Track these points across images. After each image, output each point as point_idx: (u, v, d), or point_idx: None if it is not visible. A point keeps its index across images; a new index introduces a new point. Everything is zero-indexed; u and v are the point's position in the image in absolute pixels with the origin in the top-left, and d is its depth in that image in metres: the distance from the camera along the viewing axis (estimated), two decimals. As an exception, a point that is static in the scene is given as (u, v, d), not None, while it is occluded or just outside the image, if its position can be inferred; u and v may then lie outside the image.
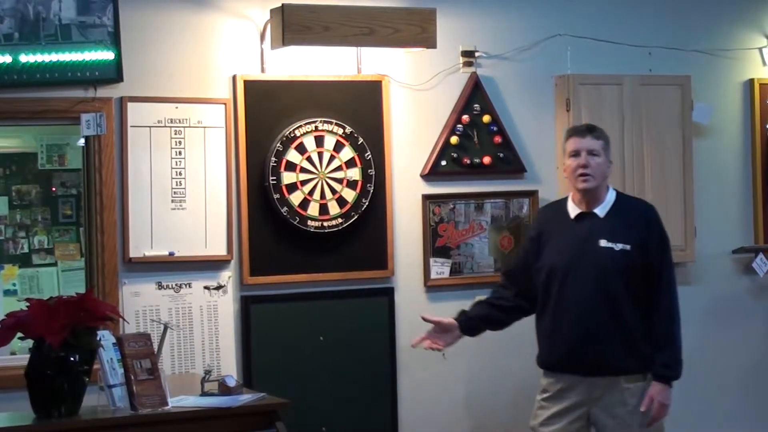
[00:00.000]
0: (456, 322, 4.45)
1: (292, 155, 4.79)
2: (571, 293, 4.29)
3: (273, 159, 4.75)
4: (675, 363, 4.31)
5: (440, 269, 5.08)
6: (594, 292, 4.27)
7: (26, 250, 6.41)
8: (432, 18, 4.80)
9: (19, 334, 3.60)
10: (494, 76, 5.18)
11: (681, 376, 4.29)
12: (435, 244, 5.07)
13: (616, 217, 4.34)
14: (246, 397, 3.87)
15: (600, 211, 4.36)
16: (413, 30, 4.76)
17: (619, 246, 4.29)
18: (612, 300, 4.27)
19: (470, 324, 4.47)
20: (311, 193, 4.81)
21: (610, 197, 4.38)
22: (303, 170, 4.81)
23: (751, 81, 5.64)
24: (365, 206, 4.89)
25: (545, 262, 4.37)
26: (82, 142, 4.65)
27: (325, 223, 4.83)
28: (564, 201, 4.50)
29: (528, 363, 5.20)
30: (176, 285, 4.65)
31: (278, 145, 4.76)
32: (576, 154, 4.33)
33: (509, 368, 5.20)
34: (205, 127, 4.69)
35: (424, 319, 4.43)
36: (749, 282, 5.65)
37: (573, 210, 4.40)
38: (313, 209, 4.81)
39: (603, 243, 4.30)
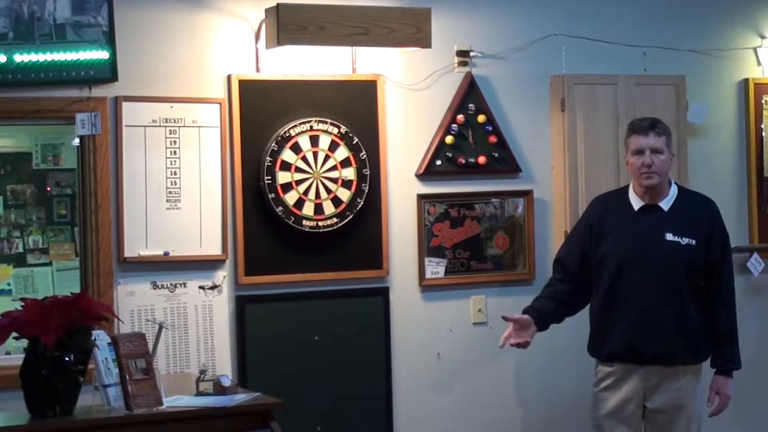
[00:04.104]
0: (531, 318, 4.43)
1: (287, 155, 4.79)
2: (635, 286, 4.37)
3: (268, 158, 4.75)
4: (737, 356, 4.52)
5: (435, 269, 5.08)
6: (658, 286, 4.35)
7: (21, 249, 6.41)
8: (427, 18, 4.80)
9: (14, 334, 3.59)
10: (489, 75, 5.18)
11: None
12: (430, 244, 5.07)
13: (680, 212, 4.42)
14: (241, 397, 3.87)
15: (665, 204, 4.43)
16: (408, 30, 4.76)
17: (685, 240, 4.38)
18: (675, 294, 4.37)
19: (543, 320, 4.49)
20: (306, 192, 4.81)
21: (673, 191, 4.47)
22: (298, 170, 4.81)
23: (746, 81, 5.65)
24: (360, 206, 4.89)
25: (608, 253, 4.42)
26: (76, 141, 4.64)
27: (320, 223, 4.83)
28: (623, 191, 4.54)
29: (520, 362, 5.20)
30: (171, 285, 4.64)
31: (273, 144, 4.76)
32: (640, 152, 4.38)
33: (504, 368, 5.20)
34: (200, 127, 4.69)
35: (505, 318, 4.43)
36: (744, 282, 5.65)
37: (636, 202, 4.46)
38: (308, 209, 4.81)
39: (669, 237, 4.38)
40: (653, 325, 4.37)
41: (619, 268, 4.39)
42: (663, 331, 4.37)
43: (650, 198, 4.43)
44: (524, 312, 4.46)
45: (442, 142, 5.07)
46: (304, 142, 4.82)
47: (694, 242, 4.38)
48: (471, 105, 5.12)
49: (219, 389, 3.91)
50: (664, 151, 4.38)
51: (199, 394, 3.92)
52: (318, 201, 4.83)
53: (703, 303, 4.45)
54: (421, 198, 5.05)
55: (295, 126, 4.80)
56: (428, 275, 5.07)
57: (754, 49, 5.68)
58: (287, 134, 4.79)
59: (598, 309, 4.49)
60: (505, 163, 5.19)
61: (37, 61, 4.42)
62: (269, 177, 4.75)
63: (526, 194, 5.23)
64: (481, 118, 5.13)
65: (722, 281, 4.47)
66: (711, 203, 4.53)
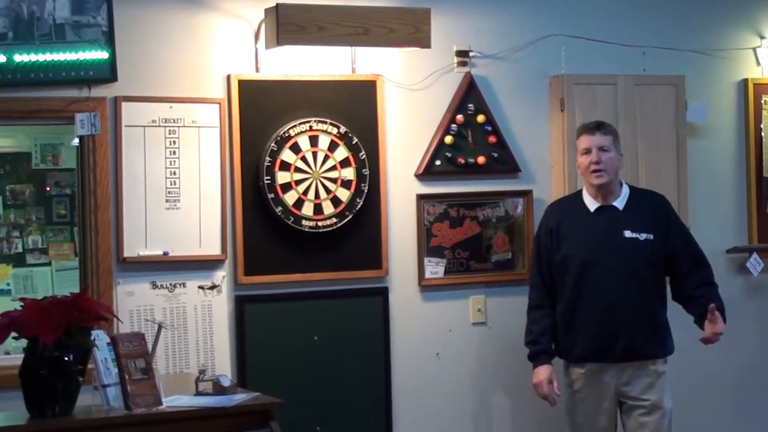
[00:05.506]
0: (551, 367, 4.60)
1: (287, 155, 4.79)
2: (601, 285, 4.49)
3: (267, 159, 4.75)
4: (723, 307, 4.52)
5: (434, 269, 5.08)
6: (624, 283, 4.48)
7: (20, 249, 6.41)
8: (426, 18, 4.80)
9: (13, 334, 3.59)
10: (488, 75, 5.18)
11: None
12: (429, 244, 5.07)
13: (635, 209, 4.57)
14: (240, 397, 3.87)
15: (619, 203, 4.58)
16: (407, 30, 4.76)
17: (643, 236, 4.52)
18: (641, 289, 4.50)
19: (552, 351, 4.67)
20: (306, 192, 4.81)
21: (625, 190, 4.62)
22: (297, 170, 4.81)
23: (745, 81, 5.65)
24: (359, 206, 4.89)
25: (569, 255, 4.55)
26: (76, 141, 4.64)
27: (320, 223, 4.83)
28: (576, 196, 4.70)
29: (517, 361, 5.19)
30: (170, 285, 4.64)
31: (273, 144, 4.76)
32: (587, 151, 4.55)
33: (501, 366, 5.20)
34: (199, 127, 4.69)
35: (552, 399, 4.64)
36: (743, 282, 5.66)
37: (591, 204, 4.60)
38: (307, 209, 4.81)
39: (628, 234, 4.53)
40: (622, 322, 4.48)
41: (583, 269, 4.51)
42: (632, 327, 4.48)
43: (603, 198, 4.57)
44: (538, 356, 4.61)
45: (441, 142, 5.07)
46: (304, 142, 4.82)
47: (652, 236, 4.52)
48: (470, 105, 5.12)
49: (218, 389, 3.91)
50: (611, 149, 4.54)
51: (198, 394, 3.92)
52: (317, 201, 4.83)
53: (664, 296, 4.58)
54: (421, 198, 5.05)
55: (295, 126, 4.80)
56: (428, 275, 5.07)
57: (754, 49, 5.68)
58: (287, 134, 4.79)
59: (564, 311, 4.59)
60: (505, 163, 5.19)
61: (37, 61, 4.42)
62: (269, 177, 4.75)
63: (526, 194, 5.23)
64: (481, 118, 5.13)
65: (694, 261, 4.59)
66: (663, 198, 4.70)
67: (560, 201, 4.84)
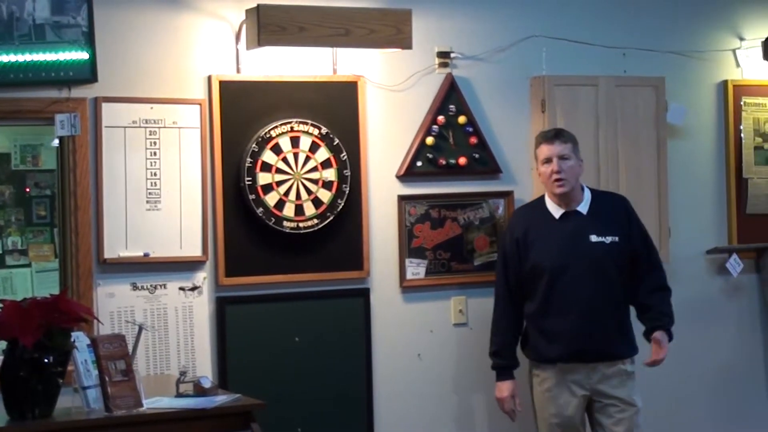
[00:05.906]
0: (514, 381, 4.73)
1: (268, 156, 4.78)
2: (570, 290, 4.55)
3: (248, 160, 4.74)
4: (672, 319, 4.64)
5: (416, 270, 5.08)
6: (593, 286, 4.55)
7: (0, 251, 6.38)
8: (407, 19, 4.80)
9: (-8, 336, 3.58)
10: (470, 77, 5.19)
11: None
12: (411, 245, 5.08)
13: (598, 213, 4.64)
14: (221, 398, 3.86)
15: (582, 208, 4.64)
16: (389, 31, 4.77)
17: (609, 239, 4.60)
18: (609, 291, 4.58)
19: (516, 364, 4.76)
20: (287, 193, 4.81)
21: (587, 195, 4.68)
22: (278, 171, 4.80)
23: (725, 82, 5.67)
24: (341, 207, 4.89)
25: (538, 263, 4.60)
26: (56, 142, 4.62)
27: (301, 224, 4.82)
28: (540, 202, 4.75)
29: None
30: (151, 286, 4.63)
31: (254, 145, 4.76)
32: (548, 161, 4.61)
33: (482, 367, 5.20)
34: (180, 128, 4.68)
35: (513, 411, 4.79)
36: (723, 282, 5.68)
37: (555, 210, 4.65)
38: (288, 210, 4.80)
39: (594, 238, 4.59)
40: (593, 325, 4.54)
41: (552, 276, 4.57)
42: (603, 330, 4.55)
43: (567, 205, 4.63)
44: (501, 371, 4.72)
45: (422, 143, 5.07)
46: (285, 143, 4.81)
47: (617, 239, 4.60)
48: (451, 106, 5.12)
49: (199, 391, 3.91)
50: (571, 157, 4.60)
51: (179, 395, 3.91)
52: (299, 202, 4.82)
53: (629, 297, 4.65)
54: (402, 199, 5.05)
55: (276, 127, 4.80)
56: (409, 276, 5.07)
57: (733, 50, 5.70)
58: (268, 135, 4.79)
59: (534, 316, 4.64)
60: (486, 164, 5.20)
61: (16, 61, 4.40)
62: (250, 178, 4.74)
63: (507, 195, 5.23)
64: (462, 119, 5.14)
65: (650, 263, 4.67)
66: (624, 200, 4.78)
67: (525, 208, 4.88)
